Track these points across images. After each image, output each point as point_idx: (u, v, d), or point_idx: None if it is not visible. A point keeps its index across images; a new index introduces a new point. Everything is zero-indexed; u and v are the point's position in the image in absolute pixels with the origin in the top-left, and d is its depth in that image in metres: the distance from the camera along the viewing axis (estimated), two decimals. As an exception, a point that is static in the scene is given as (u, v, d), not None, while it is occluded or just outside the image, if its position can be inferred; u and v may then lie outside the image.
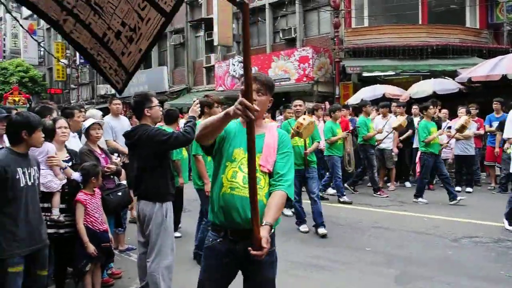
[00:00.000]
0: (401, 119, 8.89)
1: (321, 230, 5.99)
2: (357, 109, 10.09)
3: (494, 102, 9.49)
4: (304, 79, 15.44)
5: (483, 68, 11.96)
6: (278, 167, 2.45)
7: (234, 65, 17.63)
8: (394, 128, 8.87)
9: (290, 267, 4.82)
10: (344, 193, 8.32)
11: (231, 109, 2.16)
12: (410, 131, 9.52)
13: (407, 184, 9.85)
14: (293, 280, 4.46)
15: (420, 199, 7.99)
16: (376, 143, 9.05)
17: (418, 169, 8.75)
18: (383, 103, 9.92)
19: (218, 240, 2.44)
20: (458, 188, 8.84)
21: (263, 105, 2.45)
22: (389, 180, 9.73)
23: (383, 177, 9.87)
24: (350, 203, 8.06)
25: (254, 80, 2.37)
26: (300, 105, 6.70)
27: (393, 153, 9.54)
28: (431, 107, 8.09)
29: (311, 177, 6.33)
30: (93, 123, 4.39)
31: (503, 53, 13.24)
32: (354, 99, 13.17)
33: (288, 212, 7.21)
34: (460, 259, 5.00)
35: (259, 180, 2.31)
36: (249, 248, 2.17)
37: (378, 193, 8.75)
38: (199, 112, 4.75)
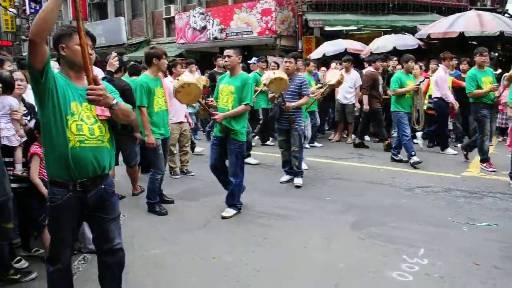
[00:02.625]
0: (338, 75, 8.11)
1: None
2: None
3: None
4: (267, 32, 15.21)
5: (442, 25, 12.17)
6: None
7: (195, 16, 17.07)
8: (332, 85, 8.18)
9: (255, 217, 4.95)
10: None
11: None
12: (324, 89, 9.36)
13: (366, 138, 10.10)
14: (257, 228, 4.59)
15: (414, 158, 7.27)
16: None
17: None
18: (345, 58, 9.94)
19: (68, 196, 2.50)
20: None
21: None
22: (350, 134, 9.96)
23: (341, 131, 10.14)
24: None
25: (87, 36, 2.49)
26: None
27: (355, 108, 9.67)
28: (411, 61, 7.61)
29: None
30: None
31: (462, 11, 13.49)
32: (316, 54, 13.18)
33: (253, 161, 7.43)
34: (413, 206, 5.27)
35: (100, 128, 2.54)
36: (87, 89, 2.33)
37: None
38: (117, 66, 4.71)
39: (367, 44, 13.18)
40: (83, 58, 2.32)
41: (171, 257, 3.93)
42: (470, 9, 14.11)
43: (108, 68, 4.65)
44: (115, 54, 4.89)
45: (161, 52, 5.05)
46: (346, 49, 12.82)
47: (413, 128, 7.97)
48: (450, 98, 8.23)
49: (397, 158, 7.72)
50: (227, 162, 5.03)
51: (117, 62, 4.74)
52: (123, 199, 5.57)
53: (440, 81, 8.26)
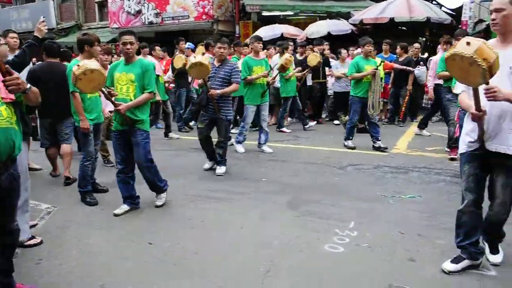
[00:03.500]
0: (284, 59, 8.12)
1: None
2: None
3: (384, 43, 10.15)
4: (204, 17, 15.06)
5: (373, 11, 12.65)
6: None
7: (129, 0, 16.52)
8: (278, 69, 8.11)
9: (190, 201, 4.96)
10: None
11: None
12: (306, 71, 9.79)
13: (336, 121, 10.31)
14: (193, 211, 4.61)
15: (349, 142, 7.50)
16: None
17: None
18: (280, 42, 10.06)
19: None
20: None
21: None
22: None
23: (277, 114, 10.30)
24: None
25: None
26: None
27: None
28: (368, 44, 7.32)
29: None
30: None
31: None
32: (254, 39, 13.22)
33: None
34: (345, 184, 5.51)
35: (7, 110, 2.57)
36: (4, 81, 2.42)
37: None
38: (45, 33, 4.50)
39: (303, 29, 13.43)
40: None
41: (106, 245, 3.86)
42: (401, -5, 14.73)
43: (35, 34, 4.43)
44: (43, 18, 4.62)
45: (94, 38, 4.88)
46: (282, 34, 12.99)
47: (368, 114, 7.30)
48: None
49: (376, 145, 7.31)
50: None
51: (46, 27, 4.49)
52: (57, 190, 5.40)
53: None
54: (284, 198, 4.98)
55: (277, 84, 9.42)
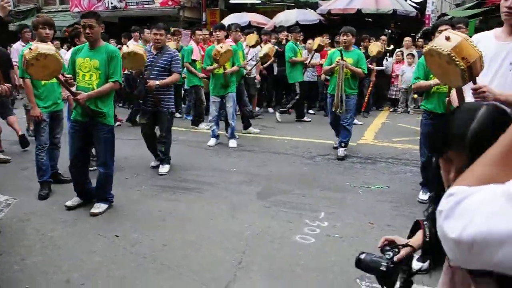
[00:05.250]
0: (267, 48, 8.59)
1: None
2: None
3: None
4: (170, 3, 14.72)
5: (341, 2, 12.71)
6: None
7: (91, -17, 15.93)
8: (261, 58, 8.64)
9: (159, 191, 4.86)
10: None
11: None
12: (273, 59, 9.73)
13: (270, 110, 10.34)
14: (162, 203, 4.52)
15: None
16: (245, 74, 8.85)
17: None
18: (247, 30, 9.93)
19: None
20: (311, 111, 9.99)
21: None
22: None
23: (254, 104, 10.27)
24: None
25: None
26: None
27: (256, 81, 9.76)
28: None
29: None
30: None
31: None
32: (221, 26, 13.03)
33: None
34: (314, 174, 5.53)
35: None
36: None
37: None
38: (8, 11, 4.18)
39: (271, 18, 13.36)
40: None
41: (71, 238, 3.71)
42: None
43: None
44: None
45: (37, 22, 4.57)
46: (250, 22, 12.87)
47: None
48: None
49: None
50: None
51: (9, 5, 4.17)
52: (16, 180, 5.16)
53: None
54: (254, 188, 4.95)
55: (254, 74, 9.39)
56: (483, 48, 2.40)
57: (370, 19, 13.02)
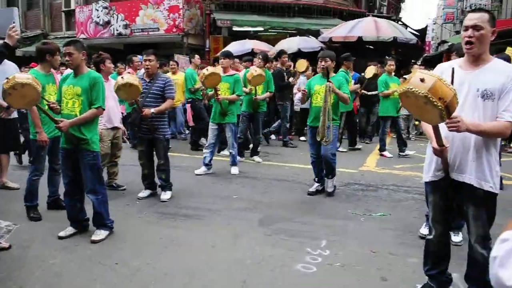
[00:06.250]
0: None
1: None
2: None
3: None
4: (174, 30, 15.01)
5: (342, 29, 12.95)
6: None
7: (97, 10, 16.29)
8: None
9: (160, 219, 4.84)
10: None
11: None
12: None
13: (272, 137, 10.38)
14: (163, 230, 4.49)
15: None
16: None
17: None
18: (246, 58, 10.02)
19: None
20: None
21: None
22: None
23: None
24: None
25: None
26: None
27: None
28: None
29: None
30: None
31: (361, 16, 14.45)
32: (224, 53, 13.24)
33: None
34: (315, 201, 5.52)
35: None
36: None
37: None
38: (16, 40, 4.26)
39: (273, 45, 13.57)
40: None
41: (71, 265, 3.69)
42: (368, 15, 15.20)
43: (6, 41, 4.20)
44: (14, 24, 4.38)
45: (55, 47, 4.72)
46: (252, 49, 13.06)
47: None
48: None
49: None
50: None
51: (17, 34, 4.23)
52: (17, 206, 5.17)
53: None
54: (256, 215, 4.93)
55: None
56: (448, 78, 2.46)
57: (371, 46, 13.22)
